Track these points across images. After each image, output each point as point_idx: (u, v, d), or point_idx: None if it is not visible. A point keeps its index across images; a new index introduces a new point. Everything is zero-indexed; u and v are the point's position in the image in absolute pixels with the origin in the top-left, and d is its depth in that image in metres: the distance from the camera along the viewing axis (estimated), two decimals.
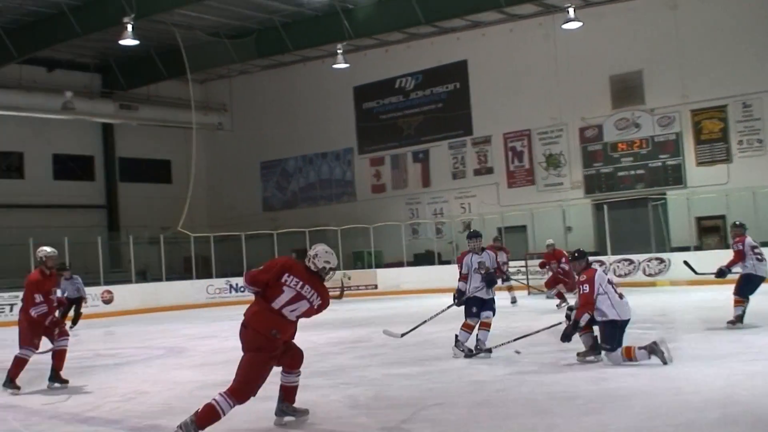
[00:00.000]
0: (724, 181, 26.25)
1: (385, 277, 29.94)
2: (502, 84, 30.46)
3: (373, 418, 7.09)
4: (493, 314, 11.19)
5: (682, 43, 26.97)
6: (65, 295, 19.08)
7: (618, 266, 25.44)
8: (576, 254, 10.28)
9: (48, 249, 10.05)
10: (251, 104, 37.14)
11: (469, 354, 10.72)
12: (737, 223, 13.38)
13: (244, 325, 6.69)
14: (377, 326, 16.37)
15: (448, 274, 27.43)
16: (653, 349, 9.06)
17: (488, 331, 11.01)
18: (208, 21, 29.32)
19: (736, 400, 7.08)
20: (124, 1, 24.09)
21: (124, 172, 36.58)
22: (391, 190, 33.73)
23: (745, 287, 12.55)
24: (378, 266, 31.05)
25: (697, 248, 25.89)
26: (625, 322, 9.54)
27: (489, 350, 10.78)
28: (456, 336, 11.03)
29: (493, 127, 30.95)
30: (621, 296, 9.70)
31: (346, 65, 29.92)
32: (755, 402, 7.04)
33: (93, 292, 25.83)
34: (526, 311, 18.32)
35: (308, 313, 6.77)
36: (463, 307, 11.27)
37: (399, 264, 30.62)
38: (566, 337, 9.56)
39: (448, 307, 12.02)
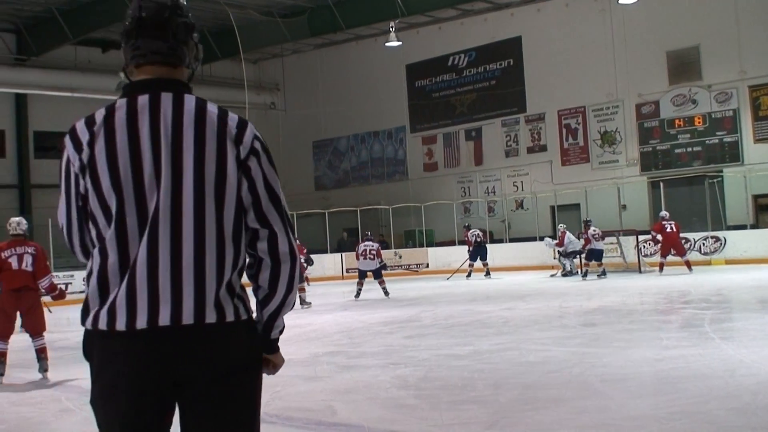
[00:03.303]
0: None
1: (436, 255, 29.92)
2: (556, 60, 30.10)
3: (422, 399, 7.06)
4: None
5: (739, 17, 26.40)
6: None
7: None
8: None
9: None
10: (304, 83, 37.22)
11: None
12: None
13: None
14: (428, 305, 16.40)
15: (499, 253, 27.50)
16: None
17: None
18: (260, 0, 29.38)
19: None
20: None
21: None
22: (443, 168, 33.60)
23: None
24: (429, 245, 31.03)
25: (754, 226, 25.44)
26: None
27: None
28: None
29: (548, 104, 30.63)
30: None
31: (399, 43, 29.77)
32: None
33: None
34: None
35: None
36: None
37: (451, 243, 30.54)
38: None
39: None
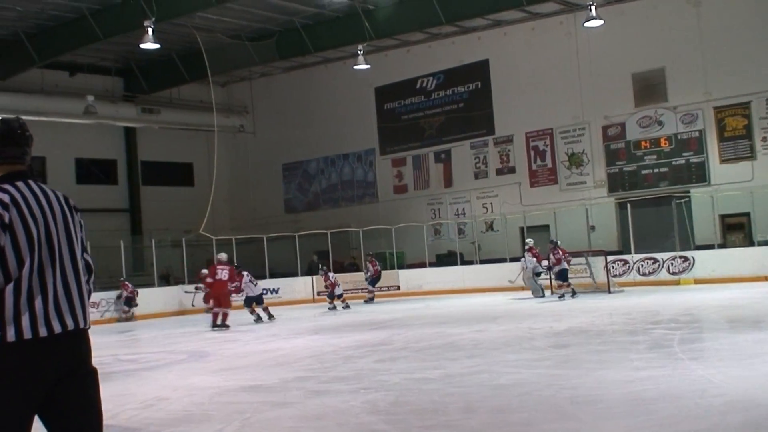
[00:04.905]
0: (749, 178, 25.99)
1: (407, 277, 29.90)
2: (524, 83, 30.32)
3: (393, 425, 7.01)
4: None
5: (704, 40, 26.77)
6: None
7: (642, 265, 25.28)
8: None
9: None
10: (273, 106, 37.17)
11: None
12: None
13: None
14: (399, 328, 16.35)
15: (470, 275, 27.54)
16: None
17: None
18: (228, 24, 29.36)
19: (758, 402, 6.96)
20: (145, 5, 24.15)
21: (147, 175, 36.71)
22: (413, 190, 33.64)
23: None
24: (400, 267, 31.01)
25: (721, 246, 25.67)
26: None
27: None
28: None
29: (516, 126, 30.81)
30: None
31: (367, 66, 29.82)
32: None
33: (115, 296, 26.13)
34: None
35: None
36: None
37: (421, 265, 30.56)
38: None
39: None
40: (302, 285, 30.06)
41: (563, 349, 11.38)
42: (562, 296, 21.64)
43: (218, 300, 20.08)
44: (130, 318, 25.73)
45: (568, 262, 22.35)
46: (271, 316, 21.19)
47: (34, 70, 29.77)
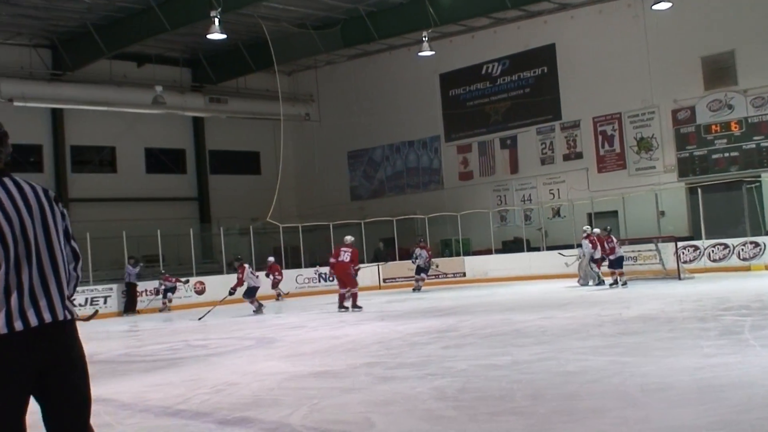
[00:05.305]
0: None
1: (473, 264, 29.84)
2: (591, 67, 29.95)
3: (460, 411, 7.01)
4: None
5: None
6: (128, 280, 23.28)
7: (712, 251, 24.85)
8: None
9: None
10: (338, 94, 37.33)
11: None
12: None
13: None
14: (465, 315, 16.34)
15: (537, 261, 27.38)
16: None
17: None
18: (294, 12, 29.55)
19: None
20: None
21: (214, 164, 37.22)
22: (479, 177, 33.51)
23: None
24: (466, 254, 30.94)
25: None
26: None
27: None
28: None
29: (583, 111, 30.46)
30: None
31: (432, 52, 29.73)
32: None
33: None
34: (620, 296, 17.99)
35: None
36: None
37: (487, 251, 30.44)
38: None
39: None
40: (368, 272, 30.16)
41: (632, 336, 11.24)
42: (614, 283, 21.38)
43: (342, 281, 20.20)
44: (166, 309, 25.66)
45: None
46: (261, 307, 21.73)
47: (103, 61, 30.40)
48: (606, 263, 22.32)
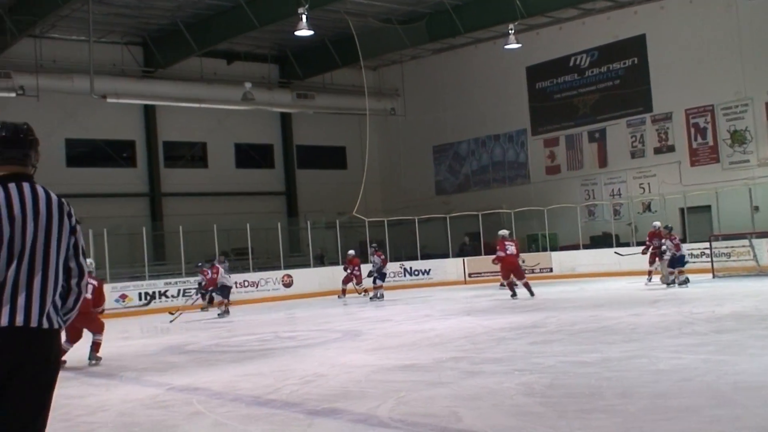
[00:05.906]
0: None
1: (560, 259, 29.48)
2: (682, 58, 29.24)
3: (549, 407, 6.94)
4: None
5: None
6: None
7: None
8: None
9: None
10: (423, 88, 37.28)
11: None
12: None
13: None
14: (552, 311, 16.16)
15: (626, 257, 26.84)
16: None
17: None
18: (379, 8, 29.62)
19: None
20: None
21: (302, 159, 37.62)
22: (566, 171, 33.06)
23: None
24: (553, 249, 30.58)
25: None
26: None
27: None
28: None
29: (674, 103, 29.76)
30: None
31: (519, 45, 29.42)
32: None
33: (273, 276, 26.94)
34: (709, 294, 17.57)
35: None
36: None
37: (575, 246, 30.02)
38: None
39: None
40: (453, 266, 30.13)
41: (725, 334, 10.96)
42: (673, 282, 20.67)
43: (512, 273, 20.56)
44: (206, 308, 23.37)
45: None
46: (226, 312, 21.22)
47: (194, 58, 31.00)
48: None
